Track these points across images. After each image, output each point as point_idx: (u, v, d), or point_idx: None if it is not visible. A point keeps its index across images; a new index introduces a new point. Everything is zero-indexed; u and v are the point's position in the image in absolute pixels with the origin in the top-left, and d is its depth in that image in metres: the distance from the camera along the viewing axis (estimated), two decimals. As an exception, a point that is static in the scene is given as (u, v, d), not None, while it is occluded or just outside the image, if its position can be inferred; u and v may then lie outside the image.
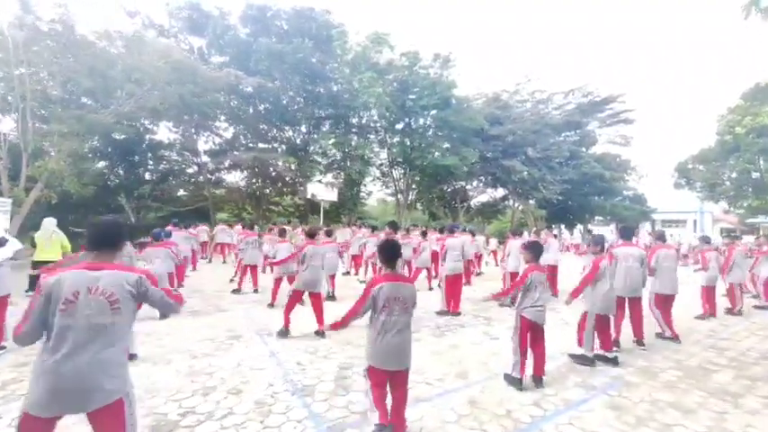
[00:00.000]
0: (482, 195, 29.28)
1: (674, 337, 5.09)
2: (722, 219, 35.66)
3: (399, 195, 26.04)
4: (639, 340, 4.82)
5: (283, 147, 21.24)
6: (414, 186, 26.79)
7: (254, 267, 7.66)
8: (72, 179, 13.65)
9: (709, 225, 34.93)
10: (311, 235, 5.44)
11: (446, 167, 22.23)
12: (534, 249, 3.75)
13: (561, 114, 27.37)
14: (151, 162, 21.44)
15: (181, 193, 22.90)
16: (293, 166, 20.76)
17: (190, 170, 22.37)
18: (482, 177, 26.84)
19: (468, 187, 29.08)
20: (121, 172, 20.47)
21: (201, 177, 22.03)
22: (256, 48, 17.80)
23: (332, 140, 19.54)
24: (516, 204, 30.23)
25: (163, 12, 18.84)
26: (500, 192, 29.93)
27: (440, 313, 6.21)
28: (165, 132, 20.53)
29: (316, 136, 21.75)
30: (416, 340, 4.85)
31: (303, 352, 4.36)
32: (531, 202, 30.67)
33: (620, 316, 4.84)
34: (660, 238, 5.65)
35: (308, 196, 18.50)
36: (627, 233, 5.16)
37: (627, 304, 4.87)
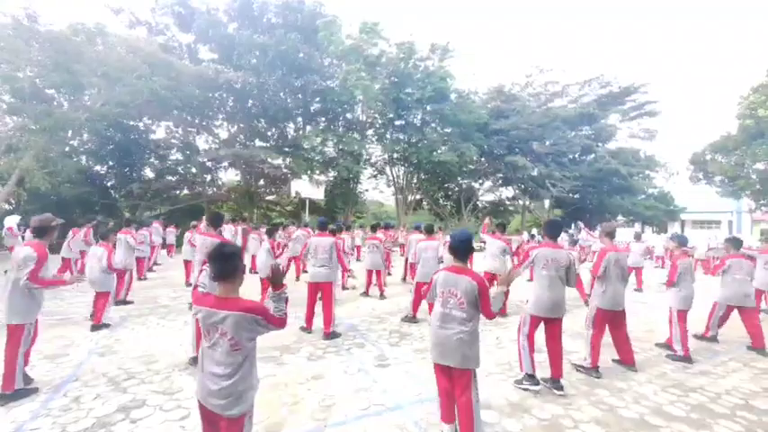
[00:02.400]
0: (488, 194, 27.57)
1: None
2: (763, 219, 32.15)
3: (399, 194, 24.94)
4: (555, 380, 3.55)
5: (274, 144, 20.60)
6: (415, 185, 25.64)
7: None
8: (42, 176, 13.47)
9: (747, 226, 31.60)
10: (37, 232, 3.35)
11: (444, 164, 20.98)
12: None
13: (576, 107, 25.46)
14: (150, 160, 21.37)
15: (176, 191, 22.72)
16: (285, 163, 20.18)
17: (183, 168, 22.15)
18: (488, 175, 25.32)
19: (476, 186, 27.61)
20: (116, 170, 20.47)
21: (197, 176, 21.81)
22: (239, 41, 17.24)
23: (319, 137, 18.70)
24: (528, 203, 28.44)
25: (154, 9, 18.40)
26: (510, 190, 28.32)
27: (303, 329, 5.13)
28: (156, 130, 20.42)
29: (308, 132, 21.03)
30: (280, 365, 3.86)
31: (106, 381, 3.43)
32: (546, 201, 28.88)
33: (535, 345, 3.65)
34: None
35: (293, 194, 17.74)
36: (552, 230, 3.82)
37: (545, 327, 3.65)
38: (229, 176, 24.61)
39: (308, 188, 17.38)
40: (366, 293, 7.56)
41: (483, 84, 30.79)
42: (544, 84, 25.83)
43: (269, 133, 21.71)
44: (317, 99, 20.11)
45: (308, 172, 19.13)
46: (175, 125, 19.96)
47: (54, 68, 12.40)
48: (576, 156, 25.79)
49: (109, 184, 20.61)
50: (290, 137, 21.08)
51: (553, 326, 3.60)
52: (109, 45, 12.77)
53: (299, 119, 21.58)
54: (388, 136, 22.20)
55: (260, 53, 17.36)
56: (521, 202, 28.78)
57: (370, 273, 7.59)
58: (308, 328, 5.06)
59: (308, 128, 21.36)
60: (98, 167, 19.88)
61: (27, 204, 17.41)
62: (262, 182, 22.99)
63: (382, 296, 7.37)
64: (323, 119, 21.79)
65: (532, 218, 32.33)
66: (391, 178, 24.78)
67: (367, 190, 24.52)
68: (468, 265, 2.84)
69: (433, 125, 21.65)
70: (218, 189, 22.67)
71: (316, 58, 18.76)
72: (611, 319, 4.06)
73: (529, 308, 3.63)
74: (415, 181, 25.31)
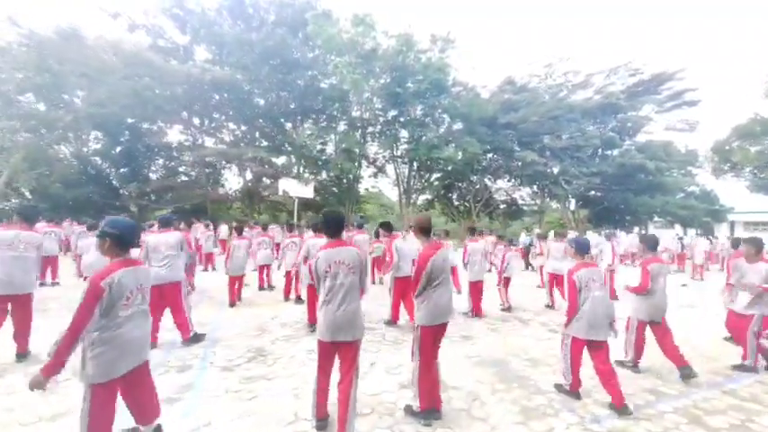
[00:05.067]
0: (503, 193, 25.80)
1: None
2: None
3: (404, 194, 23.86)
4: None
5: (269, 143, 20.31)
6: (423, 183, 24.51)
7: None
8: (32, 176, 13.84)
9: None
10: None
11: (447, 161, 19.77)
12: None
13: (600, 98, 23.23)
14: (155, 160, 21.87)
15: (179, 191, 23.02)
16: (285, 161, 19.90)
17: (186, 168, 22.41)
18: (498, 172, 23.61)
19: (489, 184, 25.90)
20: (124, 171, 20.99)
21: (200, 176, 22.02)
22: (228, 39, 17.09)
23: (311, 134, 18.17)
24: (545, 202, 26.32)
25: (155, 12, 18.68)
26: (527, 189, 26.36)
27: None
28: (158, 131, 20.73)
29: (303, 130, 20.61)
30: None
31: None
32: (572, 201, 26.65)
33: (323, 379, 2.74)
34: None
35: (280, 192, 17.22)
36: (329, 226, 2.80)
37: (338, 355, 2.70)
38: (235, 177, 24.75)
39: (295, 187, 16.79)
40: (289, 298, 6.83)
41: (481, 79, 29.19)
42: (564, 74, 23.83)
43: (271, 133, 21.46)
44: (312, 96, 19.59)
45: (303, 170, 18.67)
46: (171, 125, 20.19)
47: (36, 71, 12.69)
48: (600, 150, 23.49)
49: (118, 185, 21.22)
50: (285, 135, 20.74)
51: (345, 351, 2.64)
52: (86, 46, 12.84)
53: (298, 117, 21.20)
54: (388, 133, 21.27)
55: (249, 50, 17.11)
56: (538, 201, 26.72)
57: (288, 274, 6.83)
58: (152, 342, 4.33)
59: (307, 125, 20.95)
60: (105, 168, 20.45)
61: (40, 203, 18.19)
62: (268, 181, 22.84)
63: (299, 300, 6.63)
64: (323, 116, 21.27)
65: (555, 219, 30.06)
66: (395, 177, 23.75)
67: (367, 189, 23.63)
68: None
69: (429, 118, 20.47)
70: (211, 189, 22.64)
71: (306, 54, 18.28)
72: (437, 337, 3.01)
73: (317, 333, 2.66)
74: (423, 180, 24.22)
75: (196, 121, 20.51)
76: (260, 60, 17.16)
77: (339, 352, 2.66)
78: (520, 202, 26.20)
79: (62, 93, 13.73)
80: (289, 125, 21.10)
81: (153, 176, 21.38)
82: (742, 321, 4.15)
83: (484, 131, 20.28)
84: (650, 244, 4.05)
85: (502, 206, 26.56)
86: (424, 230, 3.09)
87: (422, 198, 27.15)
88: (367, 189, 23.55)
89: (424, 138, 20.26)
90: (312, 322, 5.05)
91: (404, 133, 21.16)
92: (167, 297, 4.25)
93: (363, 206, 29.21)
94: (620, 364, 4.13)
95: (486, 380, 3.71)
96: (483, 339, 5.05)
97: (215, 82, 16.60)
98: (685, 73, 23.15)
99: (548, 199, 26.00)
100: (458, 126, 20.36)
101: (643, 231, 27.91)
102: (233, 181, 24.49)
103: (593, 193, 24.22)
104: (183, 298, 4.40)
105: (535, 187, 24.85)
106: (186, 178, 22.57)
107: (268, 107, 19.04)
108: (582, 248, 3.43)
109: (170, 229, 4.65)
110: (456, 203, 27.58)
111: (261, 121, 20.35)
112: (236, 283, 6.53)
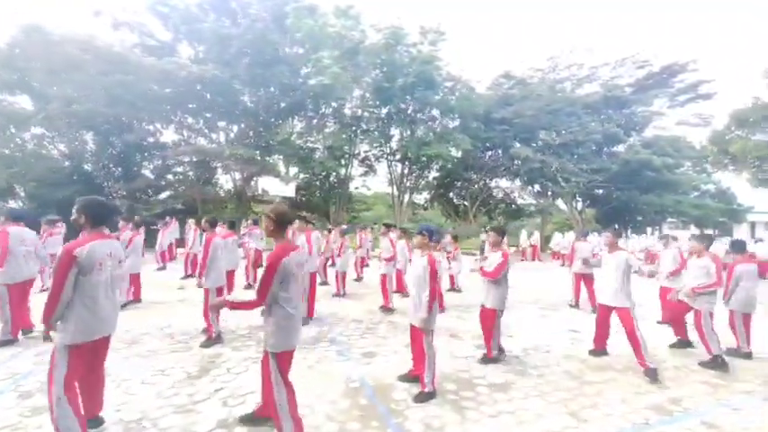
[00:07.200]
0: (499, 191, 24.75)
1: None
2: None
3: (397, 192, 23.07)
4: None
5: (252, 141, 19.84)
6: (419, 182, 23.69)
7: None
8: (7, 172, 13.74)
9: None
10: None
11: (437, 157, 18.97)
12: None
13: (604, 90, 21.98)
14: (139, 160, 21.67)
15: (172, 191, 22.81)
16: (270, 160, 19.43)
17: (181, 168, 22.16)
18: (495, 170, 22.50)
19: (489, 182, 24.82)
20: (107, 170, 20.80)
21: (192, 176, 21.78)
22: (207, 35, 16.73)
23: (297, 131, 17.64)
24: (548, 201, 25.07)
25: (139, 9, 18.48)
26: (529, 187, 25.14)
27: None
28: (140, 129, 20.46)
29: (293, 128, 20.13)
30: None
31: None
32: (578, 200, 25.39)
33: None
34: None
35: (260, 191, 16.76)
36: (96, 216, 2.48)
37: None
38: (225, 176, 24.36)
39: (276, 185, 16.31)
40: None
41: (474, 75, 28.14)
42: (568, 67, 22.68)
43: (259, 131, 20.96)
44: (300, 93, 19.02)
45: (297, 170, 18.11)
46: (164, 125, 19.96)
47: (4, 68, 12.57)
48: (605, 147, 22.15)
49: (105, 184, 21.08)
50: (271, 133, 20.26)
51: (102, 346, 2.57)
52: (51, 42, 12.62)
53: (285, 114, 20.68)
54: (379, 130, 20.53)
55: (228, 45, 16.67)
56: (542, 201, 25.48)
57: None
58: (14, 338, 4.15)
59: (295, 123, 20.45)
60: (92, 166, 20.33)
61: (29, 203, 18.25)
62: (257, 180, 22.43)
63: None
64: (312, 114, 20.70)
65: (561, 219, 28.72)
66: (388, 175, 22.99)
67: (357, 188, 22.93)
68: None
69: (424, 115, 19.66)
70: (202, 188, 22.33)
71: (291, 49, 17.76)
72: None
73: (63, 336, 2.30)
74: (418, 179, 23.40)
75: (190, 119, 20.24)
76: (239, 55, 16.69)
77: (96, 349, 2.47)
78: (519, 201, 24.99)
79: (32, 90, 13.58)
80: (277, 123, 20.62)
81: (143, 176, 21.20)
82: (610, 312, 4.33)
83: (478, 127, 19.38)
84: (500, 234, 4.34)
85: (501, 205, 25.44)
86: (280, 224, 2.54)
87: (419, 198, 26.39)
88: (357, 188, 22.82)
89: (414, 135, 19.52)
90: (210, 334, 4.55)
91: (395, 130, 20.42)
92: (28, 292, 4.48)
93: (371, 207, 28.63)
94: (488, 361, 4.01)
95: (342, 416, 2.98)
96: (388, 357, 4.31)
97: (193, 78, 16.18)
98: (698, 64, 21.64)
99: (551, 198, 24.77)
100: (451, 122, 19.46)
101: (656, 232, 26.35)
102: (224, 180, 24.24)
103: (600, 191, 22.97)
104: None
105: (537, 186, 23.71)
106: (181, 177, 22.35)
107: (254, 104, 18.57)
108: (432, 237, 3.55)
109: (23, 225, 4.64)
110: (456, 203, 26.63)
111: (251, 118, 19.91)
112: None
